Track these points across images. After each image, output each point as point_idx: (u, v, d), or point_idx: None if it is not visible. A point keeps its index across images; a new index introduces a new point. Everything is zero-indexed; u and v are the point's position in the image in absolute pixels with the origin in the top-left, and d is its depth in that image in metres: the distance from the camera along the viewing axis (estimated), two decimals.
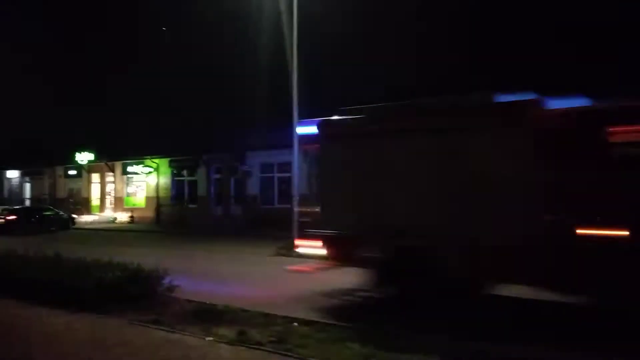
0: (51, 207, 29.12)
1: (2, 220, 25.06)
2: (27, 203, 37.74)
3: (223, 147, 26.54)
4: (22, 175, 40.47)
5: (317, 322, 6.53)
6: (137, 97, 30.89)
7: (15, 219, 25.04)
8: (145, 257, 9.25)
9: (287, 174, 22.21)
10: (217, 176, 27.94)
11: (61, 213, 28.08)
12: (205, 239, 20.51)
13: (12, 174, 41.10)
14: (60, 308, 7.42)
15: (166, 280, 7.82)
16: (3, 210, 26.89)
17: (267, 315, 6.98)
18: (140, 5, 30.14)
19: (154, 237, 22.63)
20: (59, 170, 36.76)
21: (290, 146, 18.36)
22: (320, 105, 21.87)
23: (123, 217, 31.08)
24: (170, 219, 28.44)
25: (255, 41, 22.39)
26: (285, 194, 22.70)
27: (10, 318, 7.07)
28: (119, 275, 7.49)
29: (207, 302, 7.48)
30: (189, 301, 7.72)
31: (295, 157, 18.49)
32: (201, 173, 28.63)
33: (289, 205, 19.23)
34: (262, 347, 5.54)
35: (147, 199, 31.34)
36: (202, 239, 20.59)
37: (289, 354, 5.35)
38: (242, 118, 24.50)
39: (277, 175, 25.22)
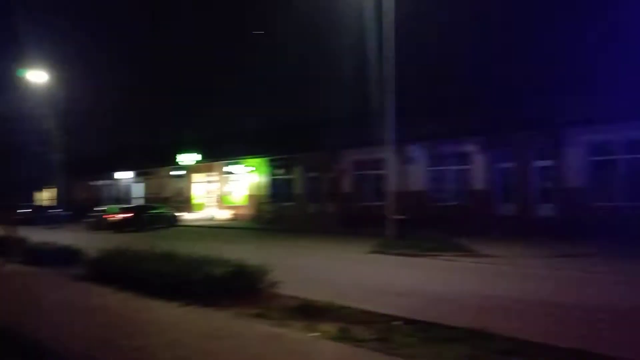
0: (158, 206, 31.09)
1: (119, 217, 27.18)
2: (137, 202, 40.47)
3: (318, 146, 26.94)
4: (134, 175, 43.48)
5: (420, 321, 6.43)
6: (238, 99, 32.13)
7: (128, 217, 26.98)
8: (246, 253, 9.57)
9: (381, 171, 22.13)
10: (313, 174, 28.42)
11: (167, 211, 29.95)
12: (301, 235, 20.95)
13: (124, 175, 44.30)
14: (173, 300, 7.89)
15: (268, 276, 8.05)
16: (120, 208, 29.13)
17: (368, 312, 6.99)
18: (241, 8, 31.29)
19: (252, 234, 23.42)
20: (166, 171, 39.12)
21: (383, 143, 18.33)
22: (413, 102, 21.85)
23: (223, 215, 32.63)
24: (268, 217, 29.40)
25: (350, 40, 22.54)
26: (379, 192, 22.66)
27: (129, 309, 7.60)
28: (226, 270, 7.81)
29: (309, 299, 7.63)
30: (291, 297, 7.91)
31: (389, 154, 18.43)
32: (297, 171, 29.27)
33: (382, 203, 19.16)
34: (365, 345, 5.54)
35: (246, 197, 32.56)
36: (298, 235, 21.04)
37: (393, 352, 5.31)
38: (336, 116, 24.73)
39: (370, 172, 25.19)
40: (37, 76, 24.00)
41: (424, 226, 18.57)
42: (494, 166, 21.71)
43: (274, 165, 31.03)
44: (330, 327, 6.23)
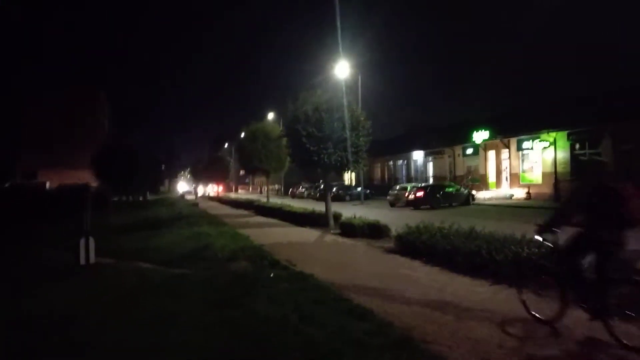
0: (453, 184, 31.57)
1: (412, 196, 28.65)
2: (430, 181, 41.92)
3: (636, 113, 23.30)
4: (426, 155, 45.13)
5: None
6: (530, 70, 30.22)
7: (423, 195, 28.14)
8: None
9: None
10: (627, 147, 24.71)
11: (462, 189, 30.15)
12: None
13: (417, 155, 46.32)
14: (479, 278, 7.94)
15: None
16: (412, 187, 30.72)
17: None
18: None
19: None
20: (457, 150, 39.40)
21: None
22: None
23: (519, 193, 31.22)
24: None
25: None
26: None
27: (438, 282, 7.93)
28: (535, 251, 7.45)
29: None
30: None
31: None
32: (606, 145, 25.88)
33: None
34: None
35: (543, 174, 30.46)
36: None
37: None
38: None
39: None
40: (341, 69, 26.89)
41: None
42: None
43: (575, 138, 28.12)
44: None
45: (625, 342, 4.76)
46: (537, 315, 5.78)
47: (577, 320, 5.45)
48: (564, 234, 5.45)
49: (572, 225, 5.35)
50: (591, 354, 4.86)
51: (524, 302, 6.00)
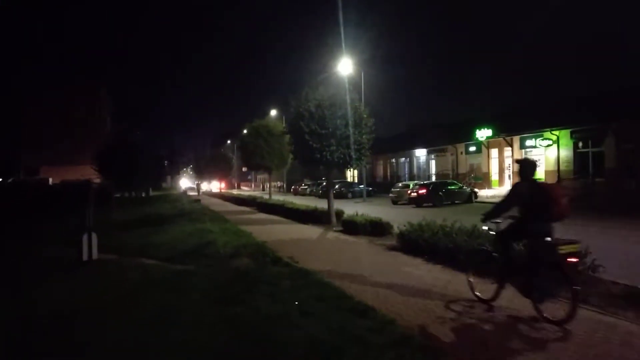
0: (455, 182, 31.51)
1: (415, 193, 28.61)
2: (433, 178, 41.86)
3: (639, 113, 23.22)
4: (428, 153, 45.05)
5: None
6: (534, 68, 30.11)
7: (425, 192, 28.11)
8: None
9: None
10: (630, 146, 24.65)
11: (464, 187, 30.10)
12: (616, 216, 18.46)
13: (420, 153, 46.25)
14: (482, 276, 7.91)
15: (588, 259, 7.33)
16: (414, 185, 30.69)
17: None
18: None
19: None
20: (460, 148, 39.31)
21: None
22: None
23: None
24: (572, 195, 26.90)
25: None
26: None
27: (440, 280, 7.92)
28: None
29: (637, 286, 6.71)
30: (615, 283, 7.07)
31: None
32: (609, 143, 25.82)
33: None
34: None
35: (546, 172, 30.38)
36: (612, 216, 18.61)
37: None
38: None
39: None
40: (344, 66, 26.83)
41: None
42: None
43: (578, 137, 28.04)
44: None
45: (547, 316, 5.50)
46: (479, 295, 6.59)
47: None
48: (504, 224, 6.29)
49: (509, 217, 6.23)
50: (520, 326, 5.54)
51: (470, 284, 6.80)
